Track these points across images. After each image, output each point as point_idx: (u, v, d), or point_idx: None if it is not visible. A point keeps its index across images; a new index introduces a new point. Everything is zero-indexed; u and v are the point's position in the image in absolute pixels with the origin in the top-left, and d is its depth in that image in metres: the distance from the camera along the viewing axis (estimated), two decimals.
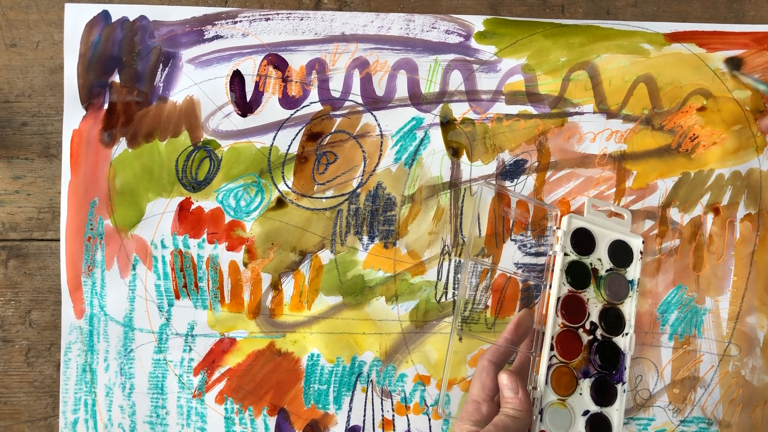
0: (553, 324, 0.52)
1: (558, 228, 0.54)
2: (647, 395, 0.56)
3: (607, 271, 0.54)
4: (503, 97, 0.56)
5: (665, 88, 0.57)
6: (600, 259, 0.54)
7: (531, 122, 0.56)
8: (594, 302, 0.54)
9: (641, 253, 0.55)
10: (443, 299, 0.56)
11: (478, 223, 0.56)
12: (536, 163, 0.56)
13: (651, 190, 0.57)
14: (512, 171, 0.56)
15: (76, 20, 0.55)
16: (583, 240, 0.54)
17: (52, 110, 0.56)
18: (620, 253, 0.55)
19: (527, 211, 0.56)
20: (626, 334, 0.54)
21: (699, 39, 0.57)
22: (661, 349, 0.56)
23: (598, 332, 0.53)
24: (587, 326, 0.53)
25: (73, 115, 0.55)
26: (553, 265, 0.53)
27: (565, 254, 0.53)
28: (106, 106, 0.55)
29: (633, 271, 0.55)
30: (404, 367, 0.56)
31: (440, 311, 0.56)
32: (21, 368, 0.56)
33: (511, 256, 0.56)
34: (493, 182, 0.56)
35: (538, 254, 0.56)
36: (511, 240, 0.56)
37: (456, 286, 0.56)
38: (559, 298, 0.53)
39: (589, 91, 0.57)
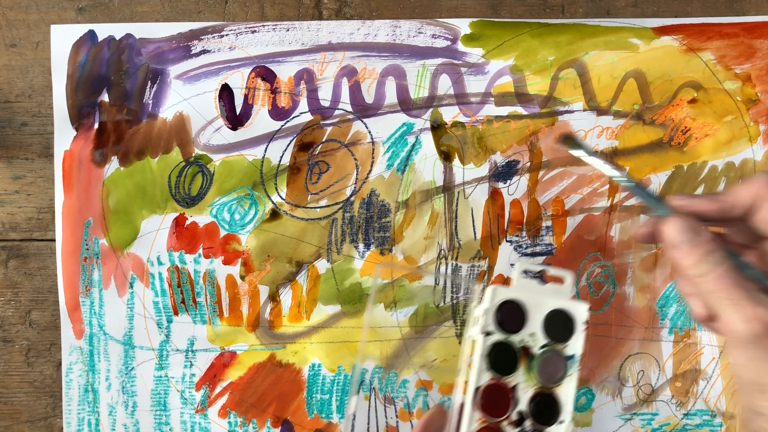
0: (469, 422, 0.43)
1: (479, 303, 0.46)
2: (650, 390, 0.56)
3: (541, 347, 0.45)
4: (492, 99, 0.56)
5: (655, 82, 0.57)
6: (533, 335, 0.45)
7: (521, 123, 0.56)
8: (524, 387, 0.45)
9: (586, 323, 0.46)
10: (442, 303, 0.56)
11: (473, 226, 0.56)
12: (528, 164, 0.56)
13: (644, 185, 0.57)
14: (505, 172, 0.56)
15: (62, 41, 0.55)
16: (510, 314, 0.45)
17: (52, 110, 0.56)
18: (559, 325, 0.46)
19: (521, 211, 0.56)
20: (562, 422, 0.45)
21: (688, 30, 0.57)
22: (662, 343, 0.56)
23: (528, 423, 0.44)
24: (513, 417, 0.44)
25: (64, 136, 0.55)
26: (472, 351, 0.45)
27: (488, 334, 0.45)
28: (96, 126, 0.55)
29: (574, 345, 0.46)
30: (406, 373, 0.56)
31: (440, 315, 0.56)
32: (21, 368, 0.56)
33: (507, 257, 0.56)
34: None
35: (534, 254, 0.56)
36: (507, 241, 0.56)
37: (454, 289, 0.56)
38: (478, 389, 0.44)
39: (578, 89, 0.57)
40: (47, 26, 0.55)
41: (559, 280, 0.47)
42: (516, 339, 0.45)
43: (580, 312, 0.46)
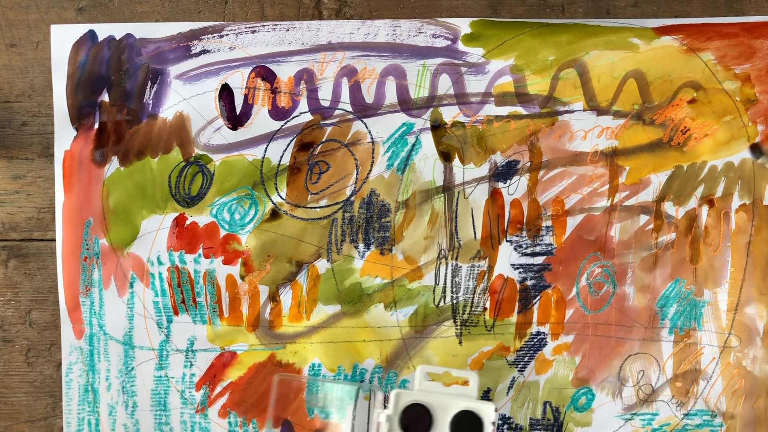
0: None
1: (384, 409, 0.45)
2: (650, 390, 0.56)
3: None
4: (492, 98, 0.56)
5: (655, 82, 0.57)
6: None
7: (521, 123, 0.56)
8: None
9: (494, 424, 0.46)
10: (442, 303, 0.56)
11: (473, 226, 0.56)
12: (528, 163, 0.56)
13: (644, 184, 0.57)
14: (505, 172, 0.56)
15: (62, 41, 0.55)
16: (416, 418, 0.46)
17: (52, 110, 0.56)
18: (466, 426, 0.46)
19: (521, 211, 0.56)
20: None
21: (688, 30, 0.57)
22: (662, 343, 0.56)
23: None
24: None
25: (64, 136, 0.55)
26: None
27: None
28: (96, 126, 0.55)
29: None
30: (406, 372, 0.56)
31: (439, 315, 0.56)
32: (21, 368, 0.56)
33: (507, 257, 0.56)
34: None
35: (534, 254, 0.56)
36: (507, 241, 0.56)
37: (454, 290, 0.56)
38: None
39: (578, 89, 0.57)
40: (47, 26, 0.55)
41: (464, 383, 0.48)
42: None
43: (488, 413, 0.46)
